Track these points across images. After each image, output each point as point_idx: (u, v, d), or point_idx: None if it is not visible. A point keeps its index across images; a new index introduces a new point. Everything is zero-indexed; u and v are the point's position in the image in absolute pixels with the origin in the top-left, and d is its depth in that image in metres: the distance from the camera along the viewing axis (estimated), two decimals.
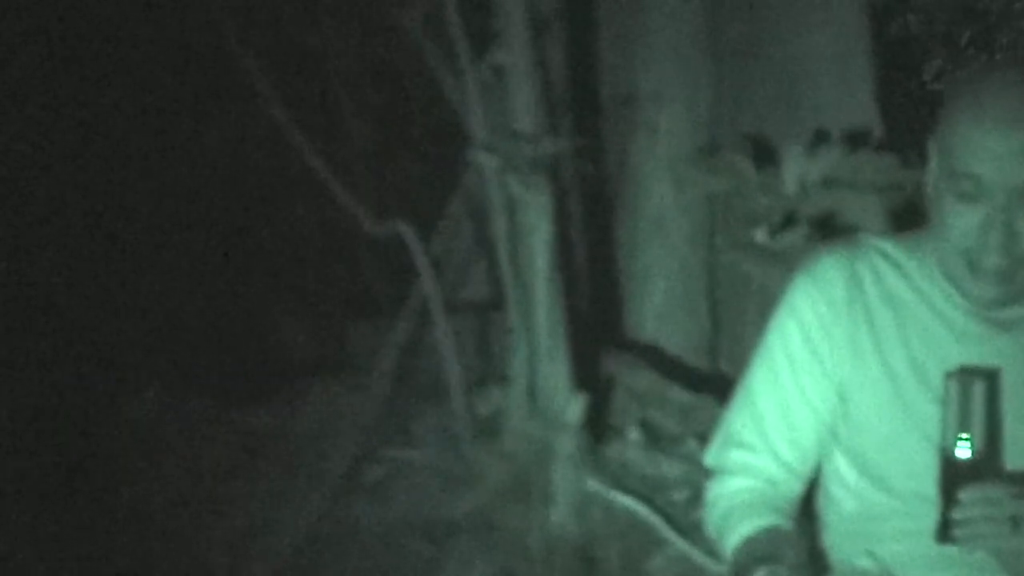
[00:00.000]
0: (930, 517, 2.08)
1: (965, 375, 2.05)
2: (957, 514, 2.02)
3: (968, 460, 2.02)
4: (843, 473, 2.27)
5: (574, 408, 3.44)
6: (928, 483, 2.09)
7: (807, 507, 2.34)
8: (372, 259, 5.03)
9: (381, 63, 5.06)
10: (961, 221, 2.06)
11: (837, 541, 2.32)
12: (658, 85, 4.41)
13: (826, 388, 2.24)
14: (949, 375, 2.06)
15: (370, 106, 5.18)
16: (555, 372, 3.44)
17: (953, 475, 2.03)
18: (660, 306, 4.39)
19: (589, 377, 3.71)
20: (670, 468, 3.58)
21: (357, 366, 4.27)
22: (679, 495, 3.55)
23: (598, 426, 3.66)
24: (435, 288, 3.61)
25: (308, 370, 4.53)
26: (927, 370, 2.16)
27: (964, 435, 2.01)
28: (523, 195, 3.28)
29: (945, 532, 2.03)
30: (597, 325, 4.25)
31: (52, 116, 5.00)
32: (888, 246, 2.25)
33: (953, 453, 2.02)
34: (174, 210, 5.16)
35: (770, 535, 2.20)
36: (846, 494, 2.28)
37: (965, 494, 2.01)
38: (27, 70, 4.97)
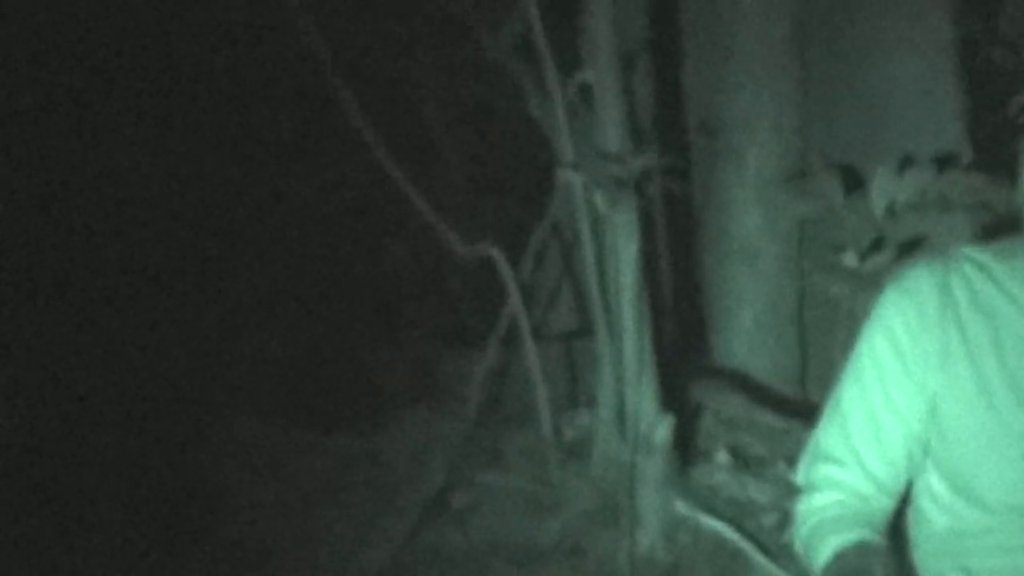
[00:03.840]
0: (1023, 530, 2.06)
1: None
2: None
3: None
4: (935, 489, 2.24)
5: (662, 430, 3.43)
6: (1022, 495, 2.06)
7: (895, 524, 2.32)
8: (465, 291, 5.06)
9: (473, 95, 5.10)
10: None
11: (928, 559, 2.29)
12: (746, 112, 4.41)
13: (917, 401, 2.21)
14: None
15: (463, 139, 5.22)
16: (642, 394, 3.43)
17: None
18: (750, 333, 4.38)
19: (677, 402, 3.70)
20: (759, 492, 3.56)
21: (448, 394, 4.29)
22: (768, 519, 3.53)
23: (686, 450, 3.65)
24: (522, 310, 3.63)
25: (400, 398, 4.56)
26: (1022, 379, 2.13)
27: None
28: (609, 213, 3.29)
29: None
30: (685, 352, 4.24)
31: (158, 152, 5.10)
32: (981, 255, 2.22)
33: None
34: (273, 244, 5.24)
35: (860, 550, 2.18)
36: (938, 511, 2.24)
37: None
38: (133, 111, 5.08)
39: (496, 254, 3.67)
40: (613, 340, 3.45)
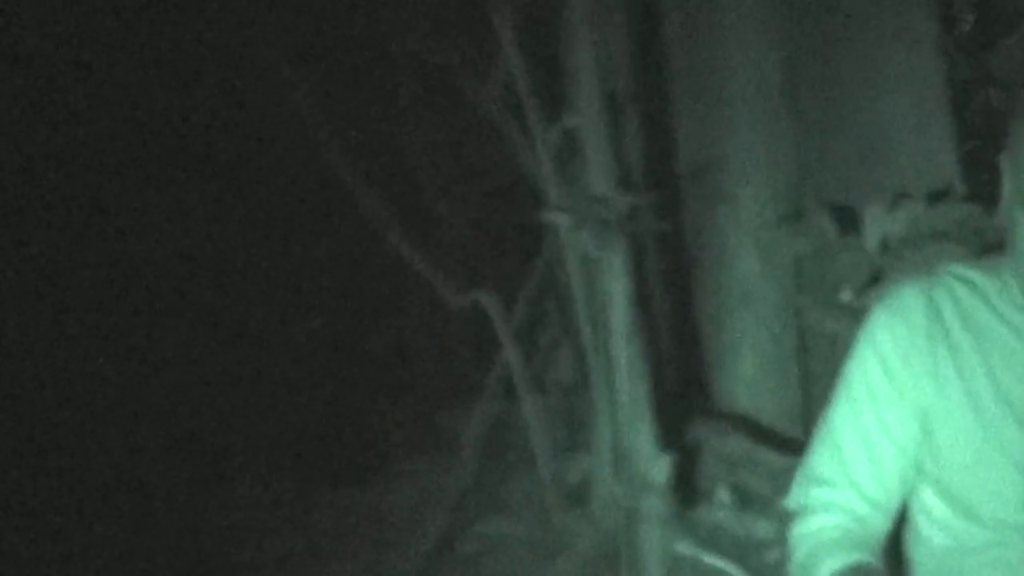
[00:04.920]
0: (1020, 547, 2.05)
1: None
2: None
3: None
4: (930, 507, 2.22)
5: (659, 470, 3.42)
6: (1018, 510, 2.05)
7: (894, 548, 2.29)
8: (467, 344, 5.08)
9: (464, 149, 5.14)
10: None
11: None
12: (739, 155, 4.41)
13: (908, 419, 2.19)
14: None
15: (458, 194, 5.26)
16: (639, 434, 3.43)
17: None
18: (751, 374, 4.36)
19: (678, 443, 3.69)
20: (761, 529, 3.53)
21: (450, 445, 4.29)
22: (770, 556, 3.51)
23: (688, 490, 3.64)
24: (517, 354, 3.63)
25: (404, 451, 4.59)
26: (1012, 394, 2.11)
27: None
28: (598, 254, 3.29)
29: None
30: (686, 396, 4.23)
31: (178, 229, 5.18)
32: (967, 272, 2.21)
33: None
34: (280, 310, 5.29)
35: (857, 572, 2.15)
36: (935, 529, 2.22)
37: None
38: (156, 195, 5.18)
39: (488, 300, 3.67)
40: (608, 381, 3.44)
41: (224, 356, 5.14)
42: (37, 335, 5.05)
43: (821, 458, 2.29)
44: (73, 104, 5.11)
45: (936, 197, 4.18)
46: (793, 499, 2.33)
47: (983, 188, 4.55)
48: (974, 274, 2.20)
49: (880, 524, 2.25)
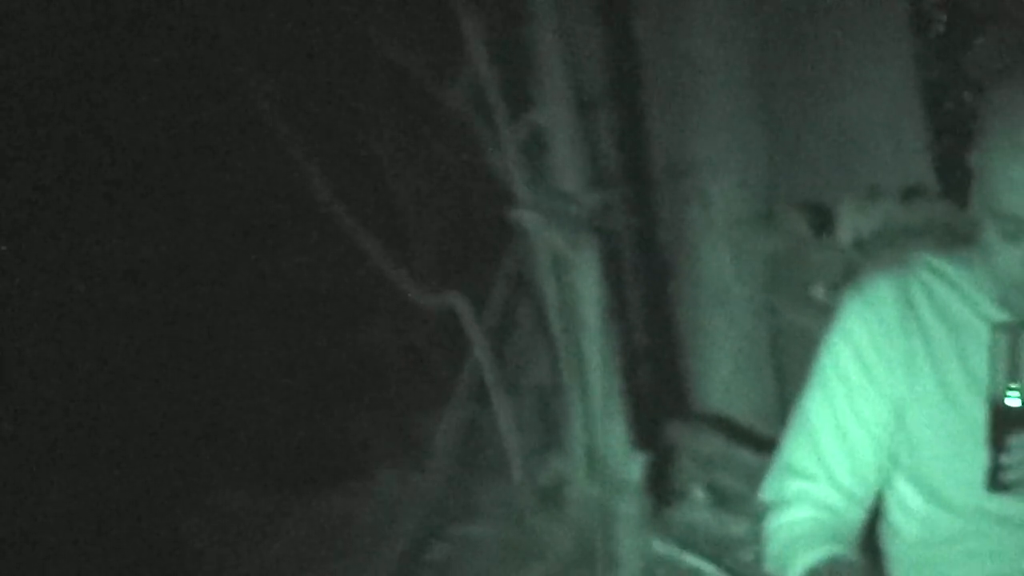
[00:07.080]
0: (996, 536, 2.04)
1: (1014, 326, 2.03)
2: (1007, 459, 1.99)
3: (1018, 409, 2.00)
4: (906, 499, 2.20)
5: (634, 467, 3.39)
6: (992, 498, 2.03)
7: (869, 542, 2.27)
8: (439, 349, 5.07)
9: (436, 154, 5.13)
10: (1006, 256, 2.02)
11: (903, 571, 2.24)
12: (712, 154, 4.40)
13: (883, 409, 2.18)
14: (996, 327, 2.04)
15: (429, 198, 5.25)
16: (613, 432, 3.40)
17: (1003, 423, 2.01)
18: (726, 374, 4.35)
19: (652, 442, 3.67)
20: (737, 527, 3.52)
21: (423, 450, 4.27)
22: (747, 554, 3.49)
23: (663, 489, 3.61)
24: (488, 355, 3.60)
25: (376, 458, 4.57)
26: (985, 383, 2.10)
27: (1014, 385, 2.00)
28: (569, 253, 3.27)
29: (996, 479, 2.01)
30: (660, 395, 4.21)
31: (143, 241, 5.19)
32: (939, 261, 2.21)
33: (1003, 402, 2.01)
34: (253, 320, 5.28)
35: (833, 565, 2.13)
36: (910, 521, 2.21)
37: (1015, 439, 1.98)
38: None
39: (459, 301, 3.65)
40: (581, 381, 3.42)
41: (196, 364, 5.14)
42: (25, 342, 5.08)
43: (796, 449, 2.28)
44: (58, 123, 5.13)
45: (909, 194, 4.18)
46: (768, 490, 2.32)
47: (956, 185, 4.55)
48: (947, 265, 2.20)
49: (856, 515, 2.23)
